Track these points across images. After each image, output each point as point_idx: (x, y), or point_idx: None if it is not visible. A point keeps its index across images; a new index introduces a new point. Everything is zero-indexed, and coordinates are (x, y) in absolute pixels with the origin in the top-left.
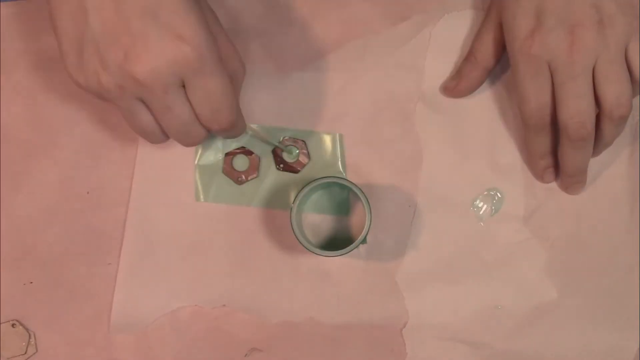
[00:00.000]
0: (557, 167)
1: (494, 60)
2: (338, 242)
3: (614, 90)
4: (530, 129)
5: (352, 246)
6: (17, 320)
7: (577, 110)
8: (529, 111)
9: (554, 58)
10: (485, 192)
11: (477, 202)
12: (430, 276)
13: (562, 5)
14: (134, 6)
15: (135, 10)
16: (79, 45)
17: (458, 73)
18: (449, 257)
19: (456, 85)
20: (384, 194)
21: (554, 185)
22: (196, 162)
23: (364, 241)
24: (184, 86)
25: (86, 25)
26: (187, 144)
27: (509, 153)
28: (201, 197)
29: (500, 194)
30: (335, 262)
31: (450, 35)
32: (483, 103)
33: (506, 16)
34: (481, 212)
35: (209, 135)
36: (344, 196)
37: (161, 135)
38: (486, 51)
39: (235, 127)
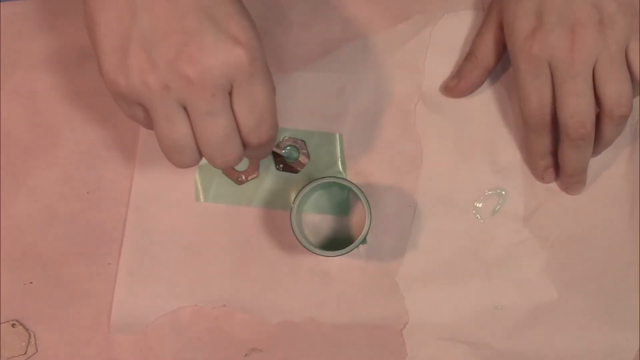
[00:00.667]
0: (557, 168)
1: (494, 60)
2: (338, 242)
3: (615, 90)
4: (531, 129)
5: (352, 246)
6: (17, 320)
7: (577, 110)
8: (530, 111)
9: (555, 58)
10: (486, 192)
11: (477, 202)
12: (430, 276)
13: (562, 4)
14: (188, 4)
15: (190, 8)
16: (122, 44)
17: (458, 73)
18: (449, 257)
19: (456, 85)
20: (384, 194)
21: (554, 185)
22: None
23: (364, 241)
24: (229, 95)
25: (134, 23)
26: (219, 163)
27: (509, 153)
28: (201, 197)
29: (500, 194)
30: (335, 262)
31: (450, 35)
32: (483, 103)
33: (507, 16)
34: (481, 212)
35: (241, 158)
36: (343, 196)
37: (194, 151)
38: (486, 51)
39: (271, 143)
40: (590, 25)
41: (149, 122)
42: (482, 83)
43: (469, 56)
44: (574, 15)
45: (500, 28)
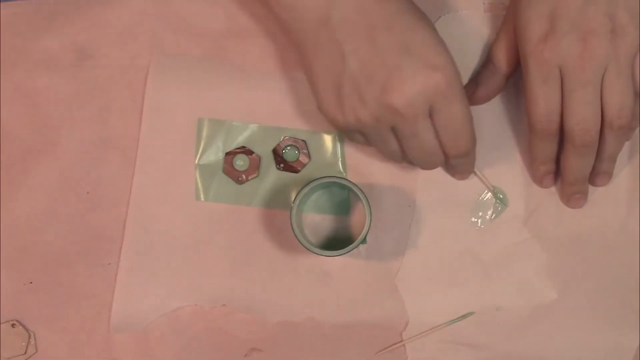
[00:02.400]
0: (557, 174)
1: (512, 66)
2: (338, 242)
3: (618, 101)
4: (537, 134)
5: (352, 246)
6: (17, 320)
7: (583, 117)
8: (537, 116)
9: (565, 64)
10: (485, 193)
11: (477, 202)
12: (430, 276)
13: (576, 11)
14: (387, 44)
15: (389, 47)
16: (336, 87)
17: (476, 80)
18: (448, 257)
19: (474, 92)
20: (384, 194)
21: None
22: (196, 161)
23: (363, 241)
24: (429, 116)
25: (344, 68)
26: (427, 166)
27: (510, 154)
28: (201, 196)
29: (500, 195)
30: (335, 262)
31: (446, 36)
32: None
33: (520, 20)
34: (481, 213)
35: (443, 162)
36: (344, 196)
37: (402, 158)
38: (504, 57)
39: (471, 154)
40: (602, 33)
41: (367, 142)
42: (500, 90)
43: (486, 63)
44: (587, 23)
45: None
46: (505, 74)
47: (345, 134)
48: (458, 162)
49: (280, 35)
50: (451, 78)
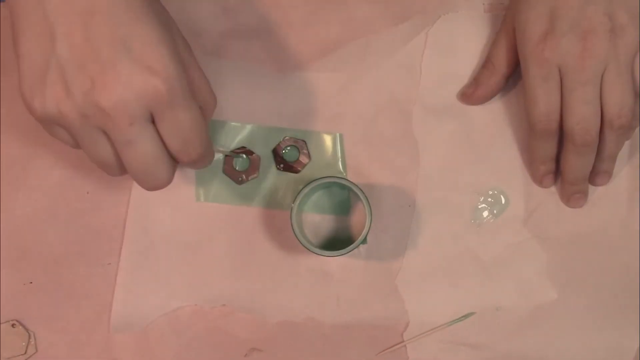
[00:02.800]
0: (556, 174)
1: (511, 66)
2: (338, 242)
3: (617, 100)
4: (537, 134)
5: (352, 246)
6: (17, 320)
7: (583, 117)
8: (537, 115)
9: (565, 63)
10: (485, 193)
11: (477, 203)
12: (431, 276)
13: (575, 11)
14: (104, 34)
15: (106, 38)
16: (41, 69)
17: (476, 80)
18: (448, 257)
19: (474, 92)
20: (384, 194)
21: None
22: None
23: (364, 241)
24: (152, 121)
25: (52, 51)
26: (148, 187)
27: (509, 154)
28: (202, 197)
29: (500, 195)
30: (335, 262)
31: (447, 36)
32: (483, 104)
33: (519, 20)
34: (481, 213)
35: (170, 180)
36: (344, 196)
37: (119, 169)
38: (503, 57)
39: (204, 159)
40: (602, 33)
41: (74, 142)
42: (499, 90)
43: (486, 63)
44: (587, 22)
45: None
46: (504, 74)
47: (47, 128)
48: (192, 166)
49: (280, 35)
50: (172, 84)
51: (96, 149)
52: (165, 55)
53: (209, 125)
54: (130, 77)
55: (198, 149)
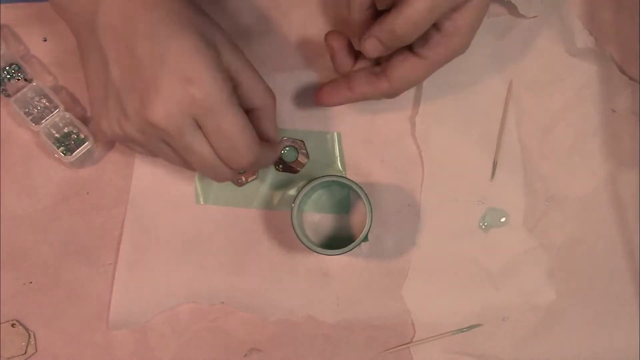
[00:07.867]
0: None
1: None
2: (338, 241)
3: None
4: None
5: (353, 244)
6: (17, 320)
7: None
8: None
9: None
10: (488, 199)
11: (478, 204)
12: (434, 280)
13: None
14: (145, 53)
15: (147, 57)
16: (104, 96)
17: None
18: (452, 261)
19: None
20: (384, 193)
21: (556, 192)
22: None
23: (365, 238)
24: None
25: (108, 77)
26: (217, 180)
27: (511, 154)
28: (201, 200)
29: (502, 206)
30: (335, 261)
31: None
32: (483, 104)
33: None
34: (484, 220)
35: (236, 173)
36: (344, 195)
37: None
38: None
39: (256, 164)
40: None
41: (149, 153)
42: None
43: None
44: None
45: None
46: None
47: (123, 145)
48: (252, 169)
49: (280, 35)
50: (210, 92)
51: (169, 157)
52: (202, 63)
53: (274, 122)
54: (170, 89)
55: (245, 156)
